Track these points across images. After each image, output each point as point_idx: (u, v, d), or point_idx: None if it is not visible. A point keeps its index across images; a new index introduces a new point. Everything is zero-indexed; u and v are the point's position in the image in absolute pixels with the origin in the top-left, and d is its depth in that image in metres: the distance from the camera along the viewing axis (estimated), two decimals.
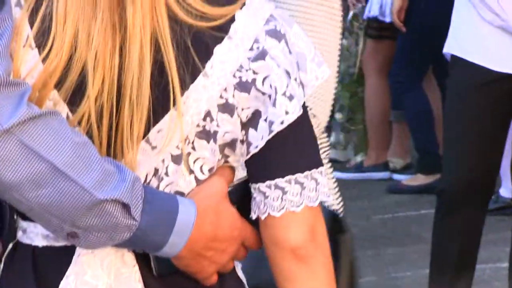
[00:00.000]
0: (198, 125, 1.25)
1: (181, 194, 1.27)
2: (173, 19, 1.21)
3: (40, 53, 1.18)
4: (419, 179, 7.73)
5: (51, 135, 1.18)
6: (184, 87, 1.21)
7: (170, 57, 1.17)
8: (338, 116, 8.16)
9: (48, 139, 1.18)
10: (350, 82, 8.29)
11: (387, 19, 7.73)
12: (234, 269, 1.38)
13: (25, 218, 1.30)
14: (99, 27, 1.18)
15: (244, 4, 1.27)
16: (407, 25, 7.53)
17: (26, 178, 1.17)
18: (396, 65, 7.78)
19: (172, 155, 1.25)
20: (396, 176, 8.11)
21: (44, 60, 1.17)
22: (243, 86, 1.24)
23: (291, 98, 1.22)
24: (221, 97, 1.23)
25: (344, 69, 8.07)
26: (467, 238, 4.67)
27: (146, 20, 1.18)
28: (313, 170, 1.29)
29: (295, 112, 1.21)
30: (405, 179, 7.98)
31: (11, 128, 1.12)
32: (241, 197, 1.35)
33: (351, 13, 8.27)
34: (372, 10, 7.92)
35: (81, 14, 1.17)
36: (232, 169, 1.35)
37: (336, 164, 7.98)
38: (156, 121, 1.21)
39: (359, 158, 8.29)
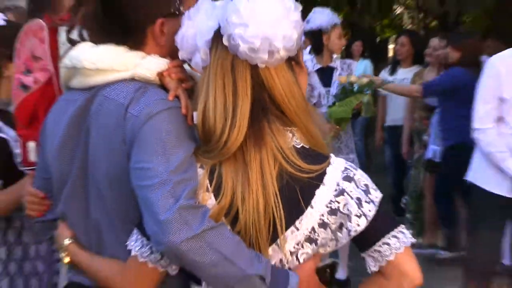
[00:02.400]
0: (307, 235, 1.85)
1: (289, 268, 1.87)
2: (285, 170, 1.82)
3: (216, 198, 1.80)
4: None
5: (223, 237, 1.77)
6: (298, 212, 1.83)
7: (273, 200, 1.80)
8: None
9: (221, 239, 1.77)
10: None
11: None
12: None
13: (198, 282, 1.97)
14: (242, 180, 1.81)
15: (330, 163, 1.89)
16: None
17: (208, 263, 1.75)
18: None
19: (290, 252, 1.86)
20: None
21: (218, 202, 1.79)
22: (332, 212, 1.82)
23: (360, 216, 1.81)
24: (320, 219, 1.82)
25: None
26: None
27: (255, 174, 1.82)
28: (399, 228, 1.88)
29: (363, 225, 1.80)
30: None
31: (200, 233, 1.71)
32: (316, 271, 1.96)
33: None
34: None
35: (233, 172, 1.84)
36: (319, 255, 1.96)
37: None
38: (282, 232, 1.81)
39: None
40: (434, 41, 7.68)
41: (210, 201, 1.84)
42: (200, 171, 1.87)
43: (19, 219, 3.17)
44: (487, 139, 4.63)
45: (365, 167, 9.52)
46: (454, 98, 6.44)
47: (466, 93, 5.45)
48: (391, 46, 17.63)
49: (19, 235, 3.32)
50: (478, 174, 4.89)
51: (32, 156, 2.79)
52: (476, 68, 5.74)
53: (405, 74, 8.12)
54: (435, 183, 7.59)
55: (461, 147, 5.86)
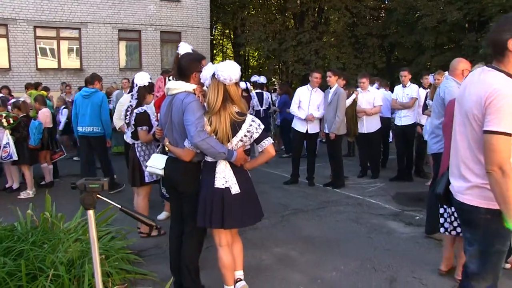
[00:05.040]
0: (242, 137, 3.42)
1: (234, 150, 3.45)
2: (232, 118, 3.37)
3: (210, 127, 3.37)
4: None
5: (212, 140, 3.36)
6: (236, 131, 3.40)
7: (228, 127, 3.37)
8: None
9: (211, 141, 3.34)
10: None
11: None
12: (242, 166, 3.59)
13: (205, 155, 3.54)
14: (218, 120, 3.38)
15: (247, 116, 3.46)
16: None
17: (207, 148, 3.33)
18: None
19: (235, 144, 3.44)
20: None
21: (210, 128, 3.38)
22: (248, 131, 3.42)
23: (257, 133, 3.44)
24: (244, 134, 3.41)
25: None
26: None
27: (223, 119, 3.38)
28: (267, 138, 3.48)
29: (257, 135, 3.43)
30: None
31: (204, 138, 3.31)
32: (245, 151, 3.54)
33: None
34: None
35: (215, 119, 3.41)
36: (244, 146, 3.51)
37: None
38: (231, 138, 3.40)
39: None
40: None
41: (208, 128, 3.41)
42: (205, 119, 3.42)
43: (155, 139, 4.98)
44: (296, 113, 8.05)
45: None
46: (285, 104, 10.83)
47: (288, 102, 9.81)
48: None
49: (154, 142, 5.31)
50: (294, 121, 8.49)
51: (158, 118, 4.43)
52: (289, 95, 11.20)
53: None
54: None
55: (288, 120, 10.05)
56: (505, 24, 2.54)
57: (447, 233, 4.27)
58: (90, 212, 2.04)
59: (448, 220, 4.21)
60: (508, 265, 4.43)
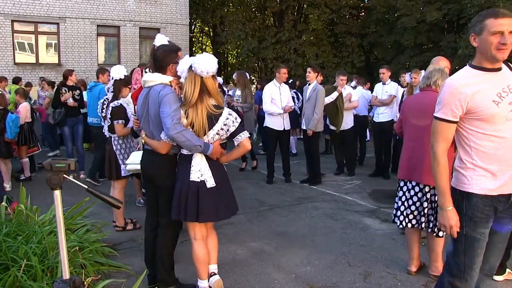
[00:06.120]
0: (219, 130, 3.43)
1: (210, 143, 3.45)
2: (209, 111, 3.38)
3: (186, 120, 3.38)
4: None
5: (188, 133, 3.35)
6: (212, 124, 3.41)
7: (205, 120, 3.37)
8: None
9: (187, 134, 3.34)
10: None
11: None
12: (218, 159, 3.62)
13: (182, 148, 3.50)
14: (194, 113, 3.37)
15: (223, 109, 3.47)
16: None
17: (183, 141, 3.33)
18: None
19: (212, 138, 3.45)
20: None
21: (186, 121, 3.37)
22: (224, 124, 3.44)
23: (234, 126, 3.45)
24: (220, 127, 3.43)
25: None
26: None
27: (200, 112, 3.37)
28: (243, 132, 3.51)
29: (233, 129, 3.45)
30: None
31: (180, 131, 3.31)
32: (221, 144, 3.54)
33: None
34: None
35: (192, 111, 3.40)
36: (220, 139, 3.52)
37: None
38: (207, 131, 3.40)
39: None
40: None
41: (184, 121, 3.41)
42: (182, 112, 3.44)
43: (132, 132, 5.05)
44: (272, 110, 7.95)
45: None
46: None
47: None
48: None
49: (131, 135, 5.32)
50: (267, 120, 8.20)
51: (134, 110, 4.42)
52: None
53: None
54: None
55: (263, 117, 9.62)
56: (473, 22, 2.70)
57: (409, 225, 4.37)
58: (57, 193, 2.02)
59: (409, 215, 4.34)
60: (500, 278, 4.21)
